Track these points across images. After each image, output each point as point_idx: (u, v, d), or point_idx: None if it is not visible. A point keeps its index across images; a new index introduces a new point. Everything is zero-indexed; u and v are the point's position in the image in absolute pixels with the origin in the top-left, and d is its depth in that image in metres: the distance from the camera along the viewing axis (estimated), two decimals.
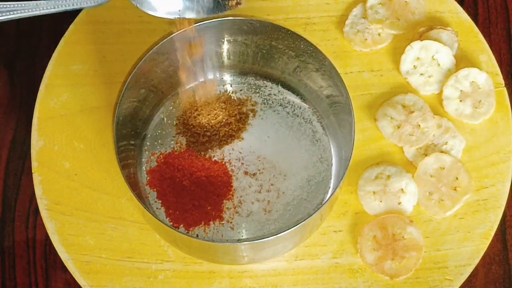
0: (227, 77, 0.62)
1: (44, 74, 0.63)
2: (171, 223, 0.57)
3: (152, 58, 0.55)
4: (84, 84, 0.63)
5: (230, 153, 0.60)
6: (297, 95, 0.62)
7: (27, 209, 0.63)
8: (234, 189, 0.59)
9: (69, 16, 0.66)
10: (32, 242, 0.62)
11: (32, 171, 0.60)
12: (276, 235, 0.50)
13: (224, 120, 0.61)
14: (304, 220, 0.50)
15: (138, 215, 0.58)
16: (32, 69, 0.67)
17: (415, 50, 0.62)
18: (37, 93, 0.63)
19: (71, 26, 0.65)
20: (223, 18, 0.56)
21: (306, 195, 0.59)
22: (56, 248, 0.58)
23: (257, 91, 0.62)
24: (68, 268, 0.58)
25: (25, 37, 0.68)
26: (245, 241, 0.56)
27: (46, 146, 0.61)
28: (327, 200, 0.52)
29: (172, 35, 0.55)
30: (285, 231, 0.50)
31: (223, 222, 0.57)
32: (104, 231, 0.58)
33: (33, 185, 0.60)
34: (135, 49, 0.59)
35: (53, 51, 0.64)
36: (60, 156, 0.61)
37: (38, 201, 0.59)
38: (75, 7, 0.49)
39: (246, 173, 0.59)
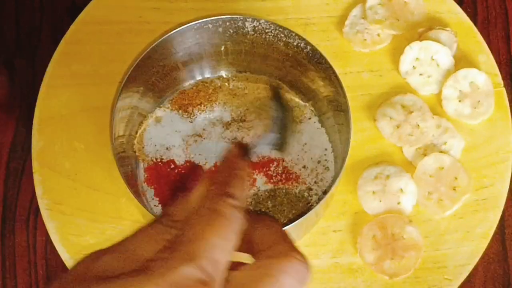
0: (225, 75, 0.62)
1: (44, 74, 0.63)
2: None
3: (149, 56, 0.55)
4: (84, 84, 0.63)
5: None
6: (296, 94, 0.62)
7: (27, 209, 0.63)
8: None
9: (69, 16, 0.66)
10: (32, 242, 0.62)
11: (33, 171, 0.60)
12: None
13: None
14: (298, 219, 0.50)
15: (138, 215, 0.58)
16: (32, 69, 0.67)
17: (414, 51, 0.62)
18: (37, 93, 0.63)
19: (71, 26, 0.65)
20: (222, 17, 0.56)
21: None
22: (57, 248, 0.58)
23: (255, 89, 0.62)
24: (69, 268, 0.58)
25: (25, 37, 0.68)
26: None
27: (46, 146, 0.61)
28: (323, 199, 0.52)
29: (169, 33, 0.55)
30: None
31: None
32: (104, 231, 0.58)
33: (33, 185, 0.60)
34: (135, 49, 0.59)
35: (53, 51, 0.64)
36: (60, 156, 0.61)
37: (39, 201, 0.59)
38: None
39: None
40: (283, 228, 0.49)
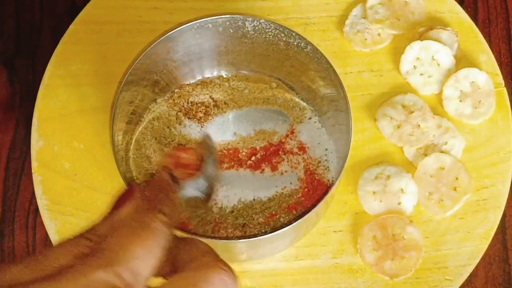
0: (225, 75, 0.62)
1: (44, 74, 0.63)
2: None
3: (149, 56, 0.55)
4: (84, 84, 0.63)
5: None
6: (296, 94, 0.61)
7: (27, 209, 0.63)
8: None
9: (69, 16, 0.66)
10: (32, 242, 0.62)
11: (32, 171, 0.60)
12: (270, 233, 0.50)
13: None
14: (298, 219, 0.50)
15: None
16: (32, 69, 0.67)
17: (415, 50, 0.62)
18: (37, 93, 0.63)
19: (71, 26, 0.65)
20: (222, 17, 0.56)
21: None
22: None
23: (255, 89, 0.62)
24: None
25: (25, 37, 0.68)
26: (242, 239, 0.56)
27: (46, 146, 0.61)
28: (322, 200, 0.52)
29: (169, 33, 0.55)
30: (279, 229, 0.50)
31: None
32: None
33: (33, 185, 0.60)
34: (135, 49, 0.59)
35: (53, 51, 0.64)
36: (60, 156, 0.61)
37: (38, 201, 0.59)
38: None
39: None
40: (282, 229, 0.49)
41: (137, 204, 0.35)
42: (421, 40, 0.62)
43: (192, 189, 0.47)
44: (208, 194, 0.49)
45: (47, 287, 0.29)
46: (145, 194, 0.37)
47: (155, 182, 0.39)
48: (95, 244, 0.32)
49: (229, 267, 0.34)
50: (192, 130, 0.60)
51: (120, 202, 0.36)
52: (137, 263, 0.31)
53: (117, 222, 0.34)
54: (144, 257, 0.31)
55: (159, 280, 0.33)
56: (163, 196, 0.36)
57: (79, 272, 0.30)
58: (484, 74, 0.62)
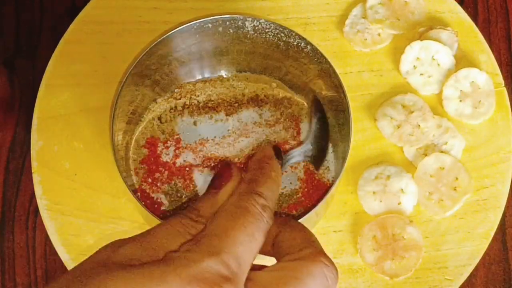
0: (225, 75, 0.62)
1: (44, 74, 0.63)
2: None
3: (149, 56, 0.55)
4: (84, 84, 0.63)
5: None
6: (296, 93, 0.61)
7: (27, 209, 0.63)
8: None
9: (69, 16, 0.66)
10: (32, 242, 0.62)
11: (32, 171, 0.60)
12: None
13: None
14: (298, 219, 0.50)
15: (138, 215, 0.58)
16: (32, 69, 0.67)
17: (415, 50, 0.62)
18: (37, 93, 0.63)
19: (71, 26, 0.65)
20: (221, 17, 0.56)
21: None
22: (56, 248, 0.58)
23: (255, 89, 0.62)
24: (68, 268, 0.58)
25: (25, 37, 0.68)
26: None
27: (46, 146, 0.61)
28: (322, 200, 0.52)
29: (168, 33, 0.55)
30: None
31: None
32: (104, 231, 0.58)
33: (33, 185, 0.60)
34: (135, 49, 0.59)
35: (53, 51, 0.64)
36: (60, 156, 0.61)
37: (38, 201, 0.59)
38: None
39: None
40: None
41: (236, 186, 0.35)
42: (421, 40, 0.62)
43: (297, 156, 0.46)
44: (317, 156, 0.47)
45: (162, 273, 0.29)
46: (244, 175, 0.37)
47: (257, 160, 0.38)
48: (199, 229, 0.33)
49: (332, 262, 0.34)
50: (192, 130, 0.60)
51: (218, 180, 0.37)
52: (240, 250, 0.32)
53: (218, 206, 0.34)
54: (247, 243, 0.32)
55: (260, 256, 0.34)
56: (264, 177, 0.36)
57: (188, 259, 0.30)
58: (484, 74, 0.62)
